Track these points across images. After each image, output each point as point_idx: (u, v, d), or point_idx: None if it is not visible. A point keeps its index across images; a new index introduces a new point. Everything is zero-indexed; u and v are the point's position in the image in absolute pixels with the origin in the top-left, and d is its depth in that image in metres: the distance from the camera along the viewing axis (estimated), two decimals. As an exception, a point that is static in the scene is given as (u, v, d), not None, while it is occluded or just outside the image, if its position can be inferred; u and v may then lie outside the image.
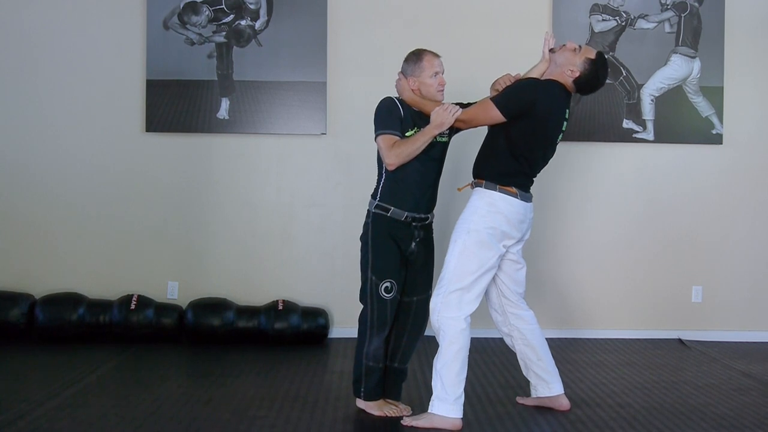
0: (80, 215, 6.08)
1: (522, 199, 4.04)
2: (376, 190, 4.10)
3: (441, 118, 3.94)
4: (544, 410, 4.27)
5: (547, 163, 4.22)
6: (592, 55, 4.07)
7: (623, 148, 6.24)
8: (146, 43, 6.02)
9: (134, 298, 5.80)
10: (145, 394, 4.45)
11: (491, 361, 5.36)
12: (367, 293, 4.02)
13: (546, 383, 4.29)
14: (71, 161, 6.07)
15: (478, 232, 3.96)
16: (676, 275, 6.28)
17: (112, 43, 6.08)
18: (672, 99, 6.22)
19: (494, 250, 3.99)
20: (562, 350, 5.68)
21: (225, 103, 6.05)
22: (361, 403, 4.16)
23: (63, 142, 6.07)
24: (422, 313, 4.18)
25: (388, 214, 4.01)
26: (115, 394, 4.48)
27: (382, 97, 4.12)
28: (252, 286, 6.07)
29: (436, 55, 4.09)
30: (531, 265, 5.99)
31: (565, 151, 6.16)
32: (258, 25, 6.06)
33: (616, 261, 6.27)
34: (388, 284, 3.98)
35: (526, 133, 3.99)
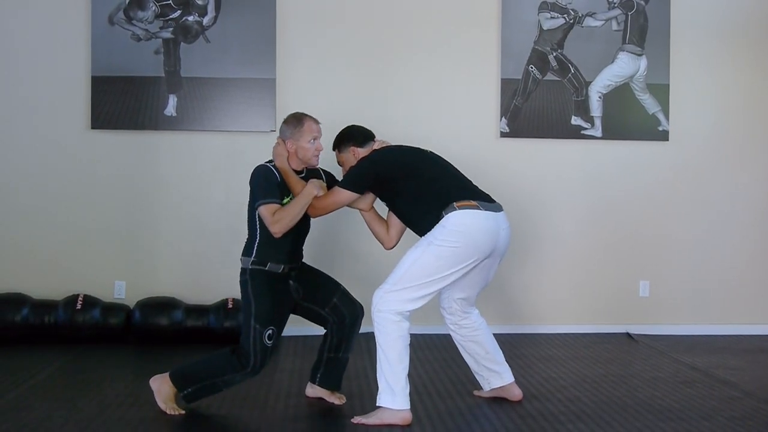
0: (24, 213, 5.95)
1: (486, 209, 4.01)
2: (250, 249, 4.17)
3: (316, 186, 4.06)
4: (494, 405, 4.29)
5: (450, 167, 4.21)
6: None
7: (571, 145, 6.30)
8: (91, 39, 5.91)
9: (80, 298, 5.69)
10: (91, 395, 4.38)
11: (440, 356, 5.36)
12: (250, 340, 4.02)
13: (498, 374, 4.35)
14: (14, 158, 5.95)
15: (440, 247, 3.91)
16: (623, 270, 6.36)
17: (56, 39, 5.95)
18: (619, 96, 6.29)
19: (451, 267, 3.94)
20: (512, 345, 5.70)
21: (172, 100, 5.98)
22: (164, 386, 4.10)
23: (6, 139, 5.94)
24: (349, 302, 4.28)
25: (266, 269, 4.11)
26: (60, 396, 4.38)
27: (257, 165, 4.16)
28: (201, 285, 6.00)
29: (316, 121, 4.16)
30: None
31: (514, 147, 6.24)
32: (206, 20, 5.99)
33: (564, 256, 6.32)
34: (270, 332, 4.02)
35: (399, 182, 4.07)
